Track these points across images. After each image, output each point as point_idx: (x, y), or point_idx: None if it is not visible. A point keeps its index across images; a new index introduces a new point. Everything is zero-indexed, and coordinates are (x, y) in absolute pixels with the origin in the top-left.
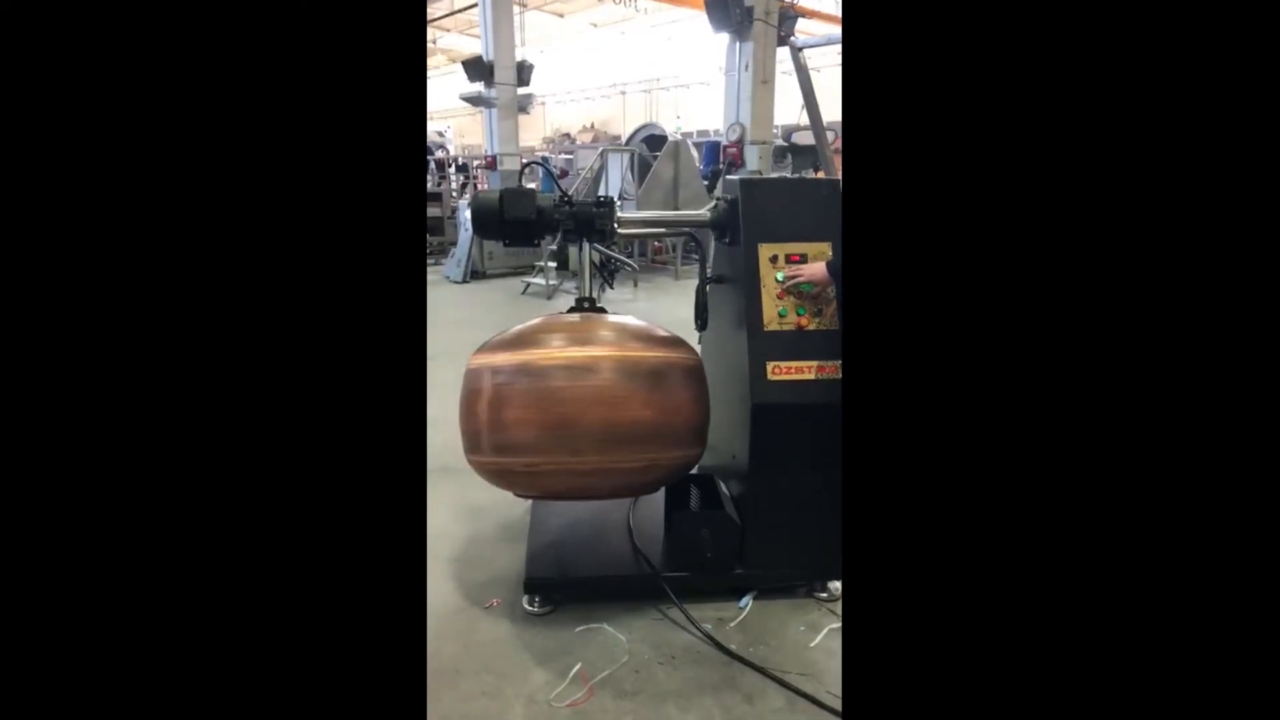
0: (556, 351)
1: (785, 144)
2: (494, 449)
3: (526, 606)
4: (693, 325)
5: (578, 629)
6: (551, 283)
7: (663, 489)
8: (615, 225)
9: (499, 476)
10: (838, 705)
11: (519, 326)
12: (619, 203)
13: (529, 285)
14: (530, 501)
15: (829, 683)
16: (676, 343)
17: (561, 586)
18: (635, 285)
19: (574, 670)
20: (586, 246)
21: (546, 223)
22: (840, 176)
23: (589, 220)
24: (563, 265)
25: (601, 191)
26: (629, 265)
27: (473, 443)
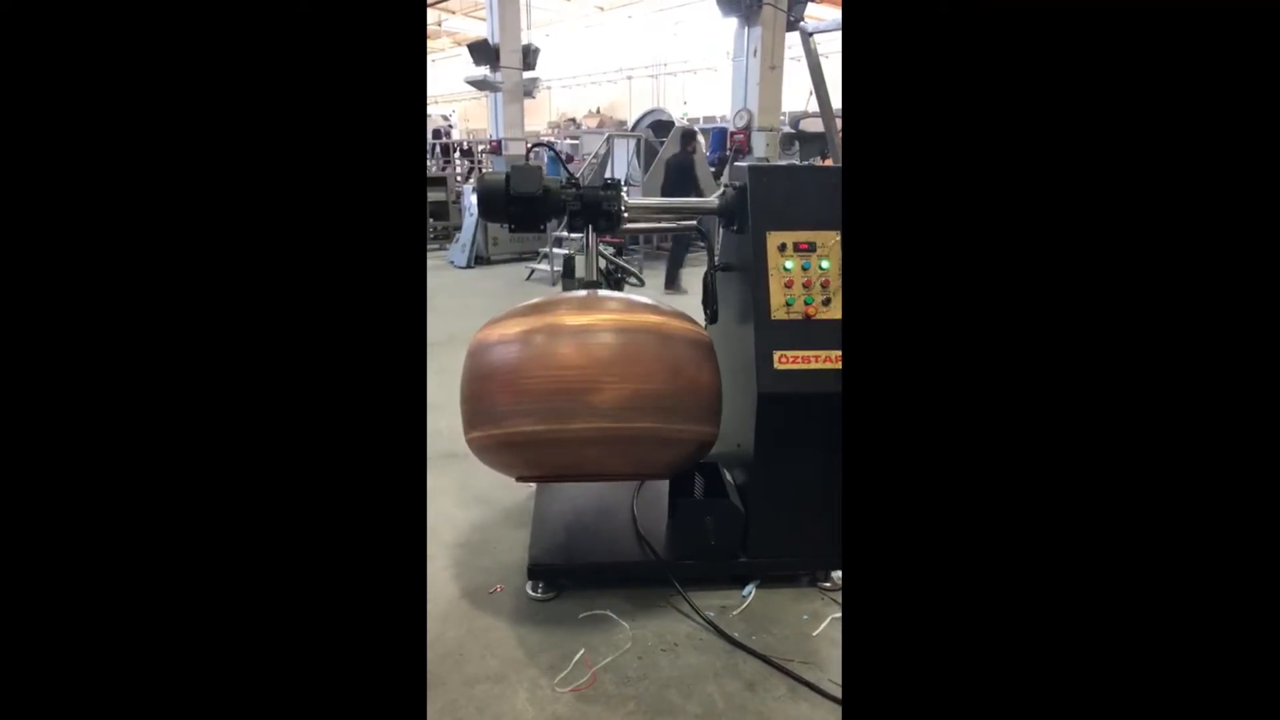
0: (560, 318)
1: (793, 130)
2: (496, 419)
3: (530, 592)
4: (700, 312)
5: (581, 615)
6: (556, 269)
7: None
8: (621, 209)
9: (502, 449)
10: (839, 693)
11: (523, 303)
12: (625, 189)
13: (534, 271)
14: (534, 488)
15: (831, 671)
16: (684, 317)
17: (565, 573)
18: (640, 271)
19: (577, 656)
20: (591, 231)
21: (552, 204)
22: None
23: (595, 202)
24: (569, 274)
25: (608, 176)
26: (635, 277)
27: (472, 418)
